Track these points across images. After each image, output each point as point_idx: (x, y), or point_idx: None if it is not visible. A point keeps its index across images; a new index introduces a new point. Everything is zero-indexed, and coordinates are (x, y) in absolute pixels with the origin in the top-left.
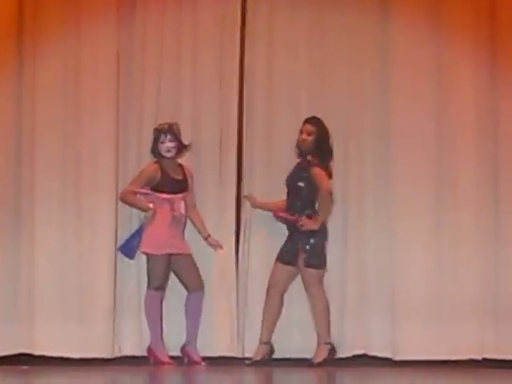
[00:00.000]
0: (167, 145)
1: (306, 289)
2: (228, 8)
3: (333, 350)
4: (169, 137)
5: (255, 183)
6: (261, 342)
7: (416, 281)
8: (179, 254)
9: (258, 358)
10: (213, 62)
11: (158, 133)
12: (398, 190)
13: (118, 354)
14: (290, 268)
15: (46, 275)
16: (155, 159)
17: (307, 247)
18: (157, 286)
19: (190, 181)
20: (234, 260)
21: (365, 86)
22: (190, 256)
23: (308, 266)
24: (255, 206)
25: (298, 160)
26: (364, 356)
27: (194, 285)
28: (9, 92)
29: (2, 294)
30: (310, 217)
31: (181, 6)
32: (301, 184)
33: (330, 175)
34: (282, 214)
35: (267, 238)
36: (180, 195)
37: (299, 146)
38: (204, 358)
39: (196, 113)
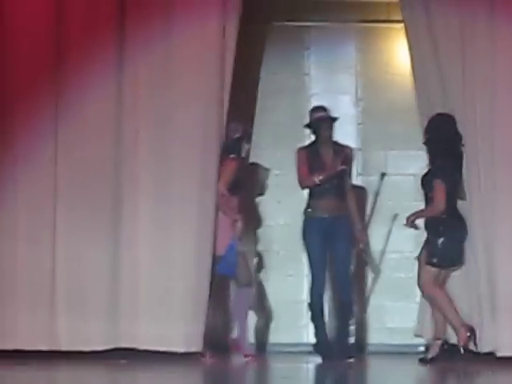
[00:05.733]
0: (247, 147)
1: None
2: None
3: (444, 346)
4: (247, 139)
5: None
6: (434, 338)
7: None
8: None
9: (432, 354)
10: None
11: (246, 133)
12: None
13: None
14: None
15: (147, 272)
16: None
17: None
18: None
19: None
20: None
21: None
22: (241, 252)
23: (427, 263)
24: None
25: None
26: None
27: (244, 280)
28: (109, 90)
29: (103, 289)
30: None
31: None
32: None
33: (447, 177)
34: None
35: None
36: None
37: None
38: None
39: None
